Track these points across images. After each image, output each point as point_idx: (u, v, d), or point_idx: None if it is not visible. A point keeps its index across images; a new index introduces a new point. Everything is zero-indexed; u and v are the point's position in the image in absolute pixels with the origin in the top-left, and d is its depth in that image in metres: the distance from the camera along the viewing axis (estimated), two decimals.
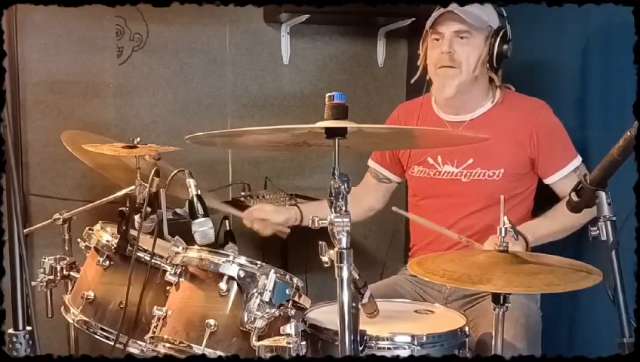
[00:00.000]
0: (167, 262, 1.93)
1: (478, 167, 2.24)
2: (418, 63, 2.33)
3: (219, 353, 1.76)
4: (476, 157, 2.24)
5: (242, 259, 1.82)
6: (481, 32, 2.20)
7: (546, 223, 2.20)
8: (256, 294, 1.76)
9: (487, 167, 2.24)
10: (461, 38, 2.19)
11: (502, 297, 1.63)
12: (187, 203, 1.99)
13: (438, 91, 2.27)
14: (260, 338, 1.70)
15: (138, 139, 2.19)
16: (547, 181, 2.27)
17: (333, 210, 1.47)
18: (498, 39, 2.21)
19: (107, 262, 2.05)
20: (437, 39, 2.23)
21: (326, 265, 1.49)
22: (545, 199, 2.30)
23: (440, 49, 2.21)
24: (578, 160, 2.24)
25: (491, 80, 2.28)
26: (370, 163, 2.56)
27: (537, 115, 2.24)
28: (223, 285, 1.79)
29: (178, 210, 2.08)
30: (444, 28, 2.20)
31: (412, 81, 2.37)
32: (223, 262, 1.81)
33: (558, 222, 2.20)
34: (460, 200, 2.28)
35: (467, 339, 1.78)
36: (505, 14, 2.25)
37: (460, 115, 2.30)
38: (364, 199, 2.54)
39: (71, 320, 2.10)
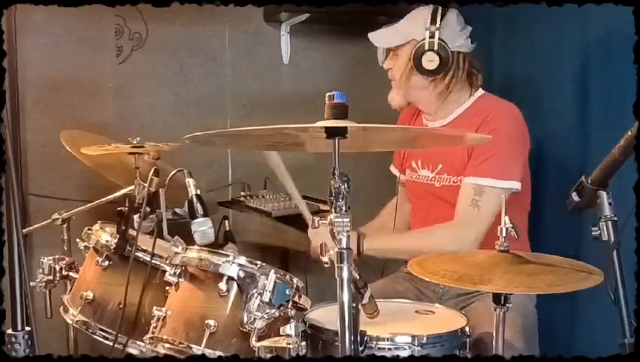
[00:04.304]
0: (167, 262, 1.92)
1: (445, 173, 2.27)
2: None
3: (218, 353, 1.76)
4: (444, 163, 2.27)
5: (242, 259, 1.82)
6: (405, 47, 2.29)
7: (390, 240, 2.29)
8: (256, 294, 1.76)
9: (452, 173, 2.25)
10: (395, 55, 2.34)
11: (503, 297, 1.63)
12: (187, 203, 1.99)
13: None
14: (259, 338, 1.70)
15: (138, 138, 2.18)
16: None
17: (333, 210, 1.46)
18: (413, 51, 2.24)
19: (106, 262, 2.05)
20: None
21: (326, 265, 1.49)
22: (542, 201, 2.30)
23: None
24: (498, 183, 2.11)
25: (471, 84, 2.29)
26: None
27: (491, 116, 2.19)
28: (222, 285, 1.78)
29: (178, 210, 2.07)
30: None
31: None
32: (223, 263, 1.81)
33: (403, 242, 2.26)
34: (436, 204, 2.30)
35: (468, 340, 1.78)
36: (437, 21, 2.23)
37: (436, 120, 2.34)
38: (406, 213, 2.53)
39: (70, 321, 2.09)
